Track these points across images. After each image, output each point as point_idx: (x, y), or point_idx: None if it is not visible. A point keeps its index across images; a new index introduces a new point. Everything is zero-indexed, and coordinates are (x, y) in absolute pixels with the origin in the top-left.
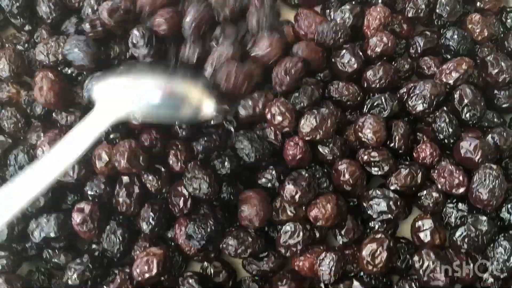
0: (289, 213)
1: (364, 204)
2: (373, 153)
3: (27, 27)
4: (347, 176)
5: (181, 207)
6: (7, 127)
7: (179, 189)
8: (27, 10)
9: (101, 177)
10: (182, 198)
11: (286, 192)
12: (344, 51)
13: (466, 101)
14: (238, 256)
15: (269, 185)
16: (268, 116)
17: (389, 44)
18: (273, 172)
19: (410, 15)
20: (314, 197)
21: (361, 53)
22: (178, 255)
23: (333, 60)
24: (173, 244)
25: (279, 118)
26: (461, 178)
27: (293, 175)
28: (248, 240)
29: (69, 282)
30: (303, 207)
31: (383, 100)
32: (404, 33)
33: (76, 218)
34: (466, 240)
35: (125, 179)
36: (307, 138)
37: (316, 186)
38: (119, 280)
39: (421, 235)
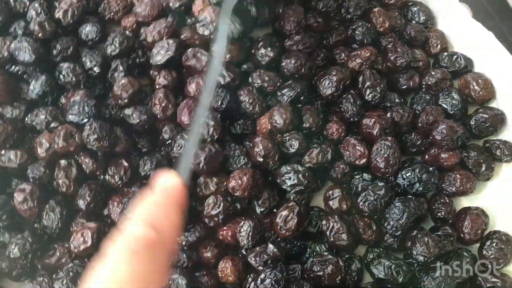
0: (211, 187)
1: (278, 180)
2: (285, 134)
3: None
4: (260, 147)
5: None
6: None
7: (119, 162)
8: None
9: (41, 162)
10: (123, 170)
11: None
12: (261, 43)
13: (368, 83)
14: None
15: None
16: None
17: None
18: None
19: (320, 9)
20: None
21: (277, 44)
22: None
23: (253, 51)
24: (109, 221)
25: None
26: (362, 150)
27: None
28: None
29: (11, 255)
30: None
31: (291, 87)
32: (319, 27)
33: (18, 197)
34: (367, 203)
35: (63, 162)
36: None
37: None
38: (58, 254)
39: (331, 203)
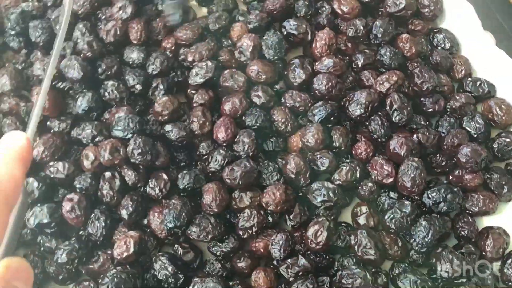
0: (245, 201)
1: (309, 196)
2: (315, 153)
3: (23, 50)
4: (292, 164)
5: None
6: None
7: (160, 175)
8: (22, 36)
9: (87, 173)
10: (163, 183)
11: (225, 175)
12: (294, 64)
13: (395, 106)
14: (201, 240)
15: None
16: None
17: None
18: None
19: (350, 35)
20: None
21: (309, 67)
22: (152, 239)
23: (285, 72)
24: (148, 230)
25: None
26: (389, 169)
27: (236, 162)
28: (209, 226)
29: (59, 260)
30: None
31: (321, 107)
32: (348, 51)
33: (66, 206)
34: (393, 221)
35: (108, 174)
36: None
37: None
38: (101, 260)
39: (358, 219)
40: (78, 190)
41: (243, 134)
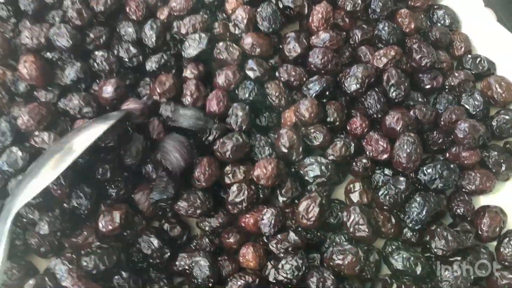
0: (239, 176)
1: (301, 171)
2: (309, 127)
3: (12, 20)
4: (285, 138)
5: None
6: None
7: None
8: (10, 5)
9: None
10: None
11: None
12: (290, 38)
13: (392, 81)
14: (189, 216)
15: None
16: None
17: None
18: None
19: (348, 9)
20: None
21: (305, 41)
22: (139, 216)
23: (280, 46)
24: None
25: None
26: (385, 145)
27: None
28: (197, 201)
29: (41, 232)
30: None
31: (316, 82)
32: (346, 26)
33: None
34: (387, 197)
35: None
36: None
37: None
38: (85, 233)
39: (352, 196)
40: None
41: (236, 107)
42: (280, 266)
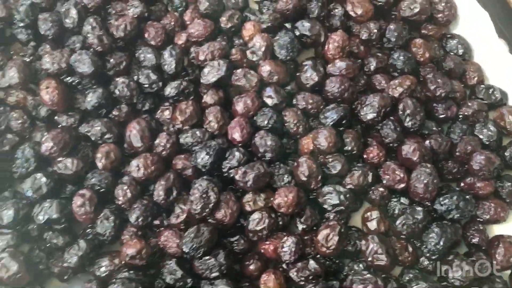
0: (259, 204)
1: (320, 199)
2: (328, 156)
3: (32, 43)
4: (304, 167)
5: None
6: (14, 127)
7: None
8: (31, 28)
9: (103, 171)
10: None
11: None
12: (307, 66)
13: (408, 111)
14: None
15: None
16: None
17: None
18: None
19: (363, 38)
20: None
21: (321, 68)
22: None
23: (297, 74)
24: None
25: None
26: (402, 175)
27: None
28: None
29: (70, 263)
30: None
31: (333, 110)
32: (361, 54)
33: (77, 201)
34: (405, 227)
35: (125, 179)
36: None
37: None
38: (108, 263)
39: (369, 224)
40: (90, 187)
41: (265, 136)
42: None
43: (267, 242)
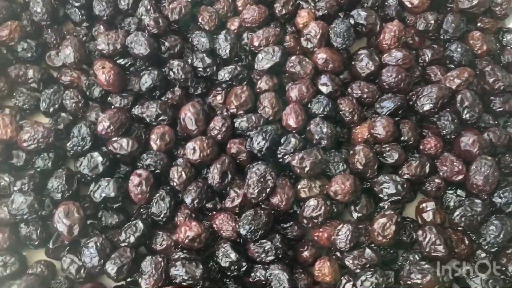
0: (315, 190)
1: (376, 188)
2: (384, 145)
3: (85, 23)
4: (361, 155)
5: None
6: (69, 106)
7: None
8: (84, 9)
9: (158, 153)
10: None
11: (295, 163)
12: (362, 55)
13: (466, 103)
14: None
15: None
16: None
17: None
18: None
19: (420, 28)
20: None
21: (377, 58)
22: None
23: (353, 63)
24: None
25: None
26: (460, 167)
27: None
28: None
29: (126, 242)
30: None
31: (390, 100)
32: (415, 45)
33: (134, 180)
34: (463, 219)
35: (180, 161)
36: None
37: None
38: (165, 244)
39: (424, 215)
40: (145, 167)
41: (321, 123)
42: (359, 283)
43: (321, 230)
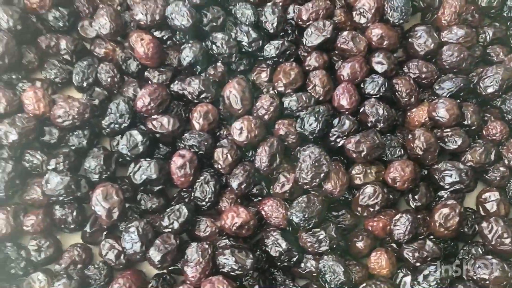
0: (370, 177)
1: (436, 176)
2: (446, 129)
3: None
4: (422, 140)
5: None
6: (104, 80)
7: None
8: None
9: (202, 132)
10: None
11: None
12: (421, 32)
13: None
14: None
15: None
16: None
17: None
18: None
19: (483, 4)
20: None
21: (436, 35)
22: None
23: (409, 40)
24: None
25: None
26: None
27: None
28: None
29: (168, 229)
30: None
31: (451, 80)
32: (474, 23)
33: (177, 161)
34: None
35: (225, 142)
36: None
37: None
38: (208, 230)
39: (487, 205)
40: (187, 148)
41: (376, 104)
42: (421, 277)
43: (375, 219)
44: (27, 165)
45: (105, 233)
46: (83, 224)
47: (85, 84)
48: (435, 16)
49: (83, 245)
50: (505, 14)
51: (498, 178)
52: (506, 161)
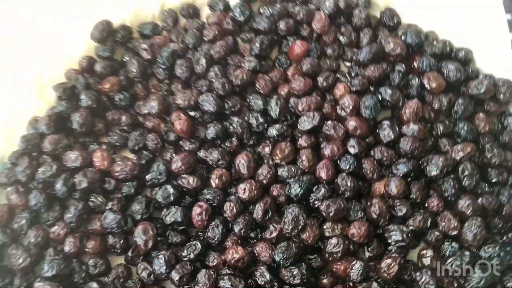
0: (336, 231)
1: (386, 235)
2: (396, 200)
3: (167, 81)
4: (376, 207)
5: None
6: (150, 146)
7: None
8: (168, 70)
9: (216, 190)
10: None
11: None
12: (385, 125)
13: (466, 172)
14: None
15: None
16: None
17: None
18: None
19: (435, 107)
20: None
21: (397, 128)
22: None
23: (377, 130)
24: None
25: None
26: (456, 224)
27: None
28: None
29: (185, 258)
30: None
31: (404, 164)
32: (430, 119)
33: (196, 210)
34: (453, 266)
35: (232, 198)
36: None
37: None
38: (215, 262)
39: (424, 260)
40: (205, 200)
41: (346, 178)
42: None
43: (339, 263)
44: (92, 205)
45: (141, 257)
46: (127, 250)
47: (136, 148)
48: (400, 113)
49: (125, 265)
50: (453, 116)
51: (433, 240)
52: (440, 228)
